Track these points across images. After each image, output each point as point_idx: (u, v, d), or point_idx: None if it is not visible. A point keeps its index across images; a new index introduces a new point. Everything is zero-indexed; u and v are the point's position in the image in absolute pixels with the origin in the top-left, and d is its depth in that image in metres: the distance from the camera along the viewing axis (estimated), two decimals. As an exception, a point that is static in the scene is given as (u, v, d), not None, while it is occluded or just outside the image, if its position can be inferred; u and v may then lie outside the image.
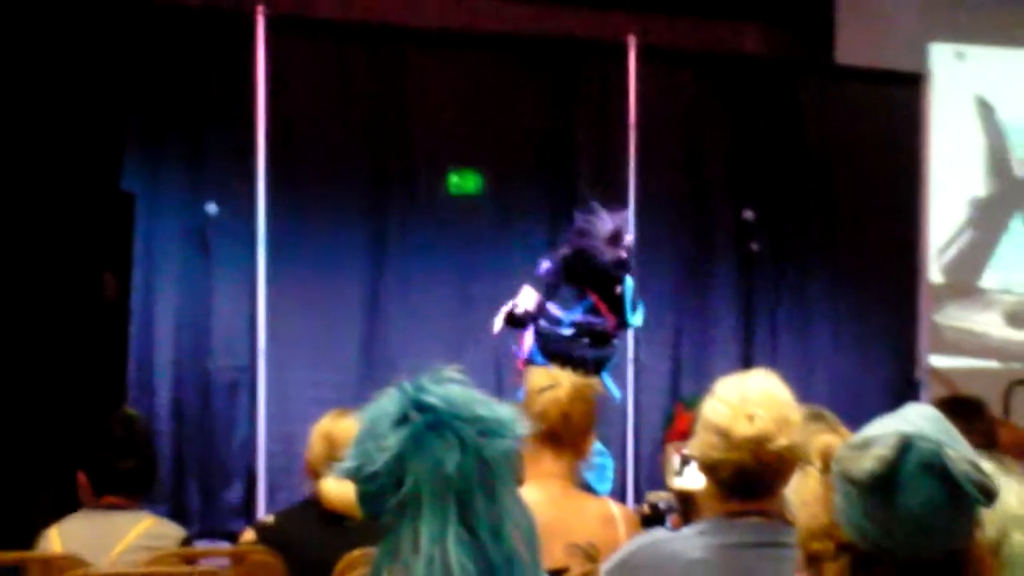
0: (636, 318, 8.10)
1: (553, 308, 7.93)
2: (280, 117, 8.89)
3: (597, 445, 7.57)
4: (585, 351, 7.90)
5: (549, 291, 7.98)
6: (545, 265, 8.06)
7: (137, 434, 4.73)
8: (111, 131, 8.13)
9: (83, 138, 7.79)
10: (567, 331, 7.90)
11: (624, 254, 7.92)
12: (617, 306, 8.00)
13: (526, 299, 7.97)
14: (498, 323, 8.04)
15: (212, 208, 8.51)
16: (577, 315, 7.92)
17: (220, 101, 8.82)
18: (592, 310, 7.95)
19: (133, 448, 4.67)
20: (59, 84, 7.73)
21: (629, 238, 8.02)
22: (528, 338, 8.00)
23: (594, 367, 7.88)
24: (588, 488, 7.22)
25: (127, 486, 4.63)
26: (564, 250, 8.03)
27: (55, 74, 7.74)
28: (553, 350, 7.85)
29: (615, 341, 8.08)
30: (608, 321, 7.97)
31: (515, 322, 8.01)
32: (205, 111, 8.79)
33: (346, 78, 9.24)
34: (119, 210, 7.83)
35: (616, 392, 8.22)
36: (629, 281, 8.04)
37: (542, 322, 7.95)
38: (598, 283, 7.95)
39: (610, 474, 7.83)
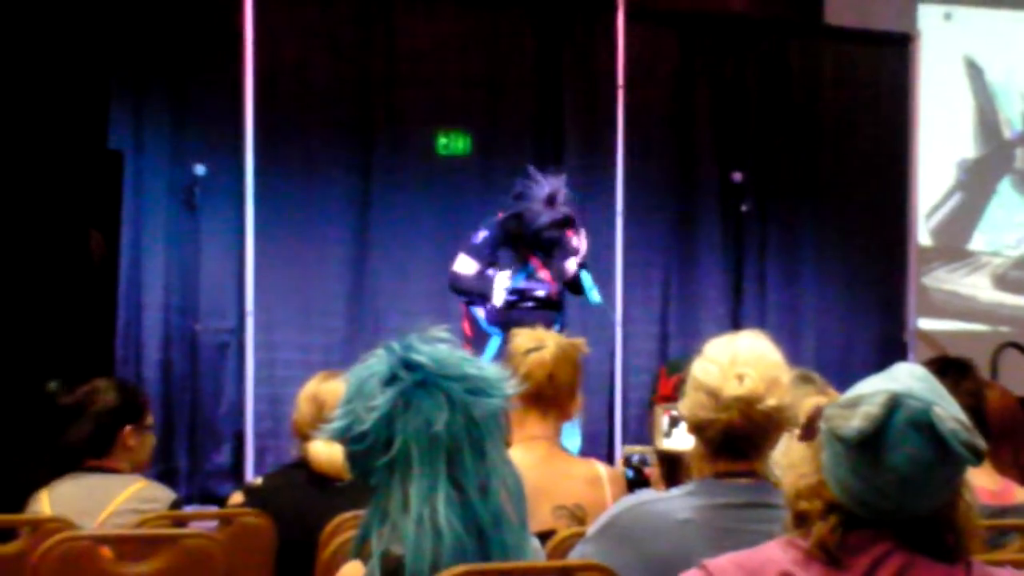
0: (595, 295, 8.07)
1: (492, 274, 7.89)
2: (267, 75, 8.87)
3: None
4: (532, 315, 7.87)
5: (489, 259, 7.94)
6: (482, 234, 8.01)
7: (95, 404, 4.70)
8: (97, 89, 8.10)
9: (69, 96, 7.75)
10: (510, 298, 7.87)
11: (560, 214, 7.89)
12: (557, 272, 7.98)
13: (463, 267, 7.94)
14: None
15: (200, 168, 8.49)
16: (520, 282, 7.90)
17: (206, 59, 8.80)
18: (533, 276, 7.94)
19: (87, 417, 4.66)
20: (44, 42, 7.69)
21: (565, 198, 7.96)
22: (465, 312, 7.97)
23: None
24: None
25: (84, 452, 4.62)
26: (501, 215, 8.00)
27: (39, 32, 7.70)
28: (495, 318, 7.85)
29: (556, 309, 8.04)
30: (550, 286, 7.95)
31: (460, 292, 7.99)
32: (191, 69, 8.77)
33: (333, 36, 9.21)
34: (106, 168, 7.79)
35: None
36: (585, 274, 8.01)
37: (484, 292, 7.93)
38: (537, 246, 7.92)
39: (577, 429, 7.83)
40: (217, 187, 8.67)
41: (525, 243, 7.91)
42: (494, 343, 7.72)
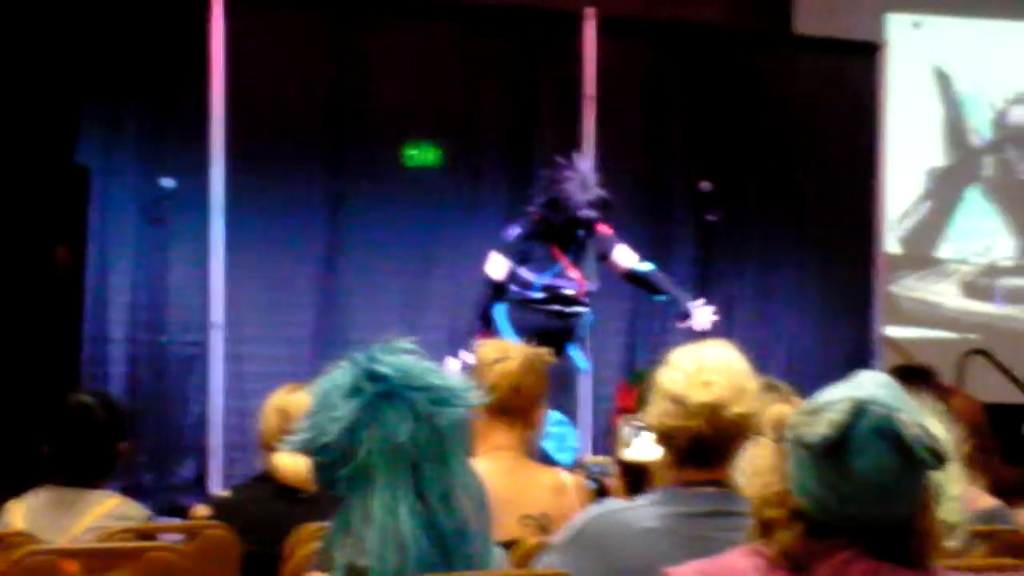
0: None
1: (524, 272, 7.92)
2: (237, 89, 8.83)
3: (556, 415, 7.61)
4: (554, 322, 7.89)
5: (520, 257, 7.95)
6: (515, 230, 8.04)
7: (90, 424, 4.69)
8: (65, 103, 8.08)
9: (36, 110, 7.73)
10: (538, 295, 7.89)
11: (596, 195, 7.92)
12: (588, 267, 8.02)
13: (495, 267, 7.95)
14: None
15: (168, 182, 8.45)
16: (547, 278, 7.91)
17: (175, 72, 8.76)
18: (562, 275, 7.95)
19: (84, 439, 4.65)
20: (12, 56, 7.67)
21: (597, 181, 8.00)
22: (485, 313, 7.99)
23: (563, 339, 7.89)
24: (547, 458, 7.25)
25: (78, 472, 4.61)
26: (535, 205, 8.02)
27: (8, 46, 7.67)
28: (522, 322, 7.85)
29: (584, 310, 8.07)
30: (579, 285, 7.97)
31: (495, 295, 7.99)
32: (160, 82, 8.72)
33: (304, 49, 9.18)
34: (73, 183, 7.77)
35: (583, 364, 8.22)
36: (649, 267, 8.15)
37: (512, 287, 7.94)
38: (571, 234, 7.93)
39: (571, 443, 7.83)
40: (185, 200, 8.63)
41: (558, 234, 7.91)
42: None
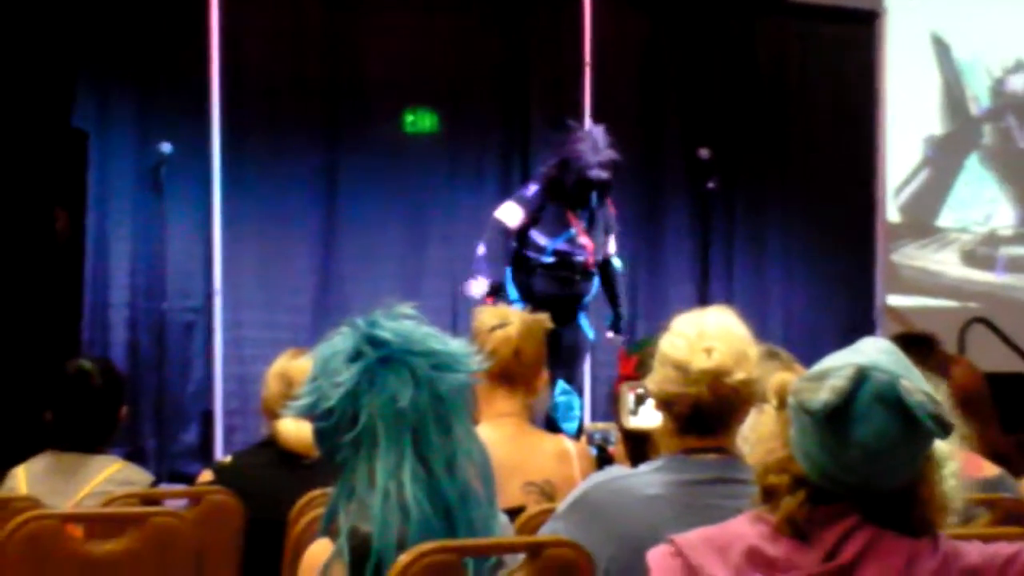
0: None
1: (536, 235, 7.91)
2: (233, 55, 8.84)
3: (561, 383, 7.63)
4: (564, 290, 7.90)
5: (534, 218, 7.94)
6: (533, 187, 8.05)
7: (90, 390, 4.71)
8: (62, 68, 8.05)
9: (33, 75, 7.70)
10: (549, 259, 7.89)
11: (607, 157, 7.93)
12: (598, 237, 8.03)
13: (510, 214, 7.93)
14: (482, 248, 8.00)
15: (166, 147, 8.42)
16: (560, 243, 7.91)
17: (172, 37, 8.76)
18: (574, 241, 7.95)
19: (85, 404, 4.66)
20: (8, 21, 7.64)
21: (608, 143, 8.02)
22: (482, 284, 7.96)
23: (572, 308, 7.90)
24: (553, 426, 7.28)
25: (81, 437, 4.63)
26: (546, 166, 8.03)
27: (3, 10, 7.65)
28: (529, 287, 7.85)
29: (592, 279, 8.08)
30: (588, 253, 7.97)
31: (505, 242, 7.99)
32: (157, 47, 8.72)
33: (300, 18, 9.18)
34: (71, 148, 7.75)
35: (590, 332, 8.23)
36: (618, 264, 8.20)
37: (522, 250, 7.92)
38: (583, 197, 7.92)
39: (577, 412, 7.85)
40: (184, 167, 8.63)
41: (570, 196, 7.90)
42: None
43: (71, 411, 4.65)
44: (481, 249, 7.95)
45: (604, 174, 7.93)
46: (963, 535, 2.54)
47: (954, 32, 11.21)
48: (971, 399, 4.33)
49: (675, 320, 3.21)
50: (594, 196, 7.98)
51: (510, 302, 7.74)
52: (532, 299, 7.66)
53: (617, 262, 8.33)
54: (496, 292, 7.87)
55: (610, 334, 8.35)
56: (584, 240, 7.99)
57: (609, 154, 7.95)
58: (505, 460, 2.85)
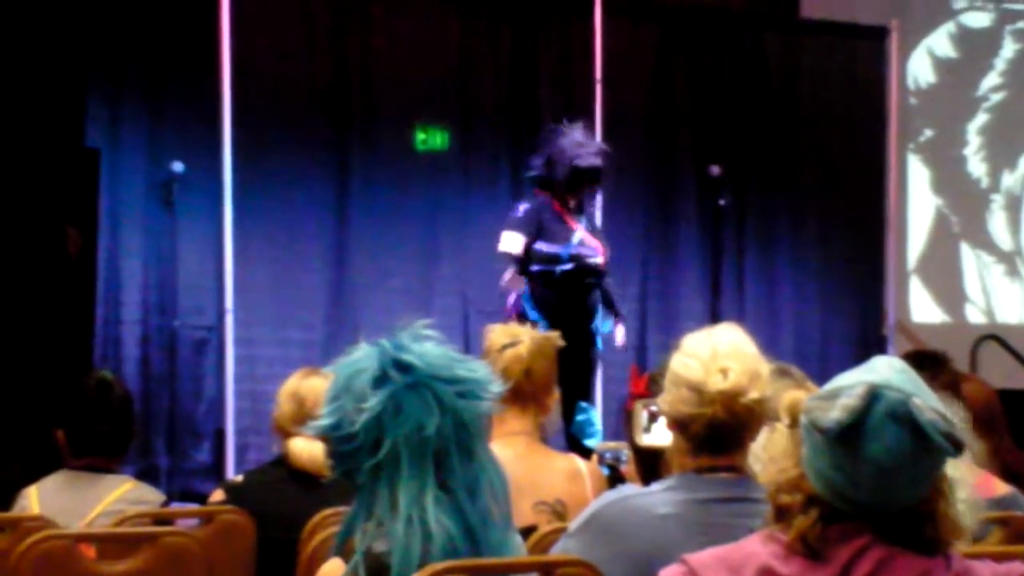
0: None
1: (544, 247, 7.89)
2: (244, 72, 8.84)
3: (579, 404, 7.63)
4: (579, 300, 7.89)
5: (535, 233, 7.92)
6: (522, 207, 8.03)
7: (112, 398, 4.72)
8: (73, 86, 8.07)
9: (45, 93, 7.72)
10: (566, 266, 7.86)
11: (596, 147, 7.97)
12: (602, 237, 8.04)
13: (511, 243, 7.92)
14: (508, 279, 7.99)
15: (178, 166, 8.44)
16: (572, 248, 7.89)
17: (183, 55, 8.78)
18: (583, 243, 7.94)
19: (108, 412, 4.67)
20: (19, 39, 7.66)
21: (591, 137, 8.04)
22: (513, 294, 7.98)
23: (586, 320, 7.89)
24: (575, 444, 7.27)
25: (102, 449, 4.64)
26: (535, 169, 8.02)
27: (15, 29, 7.67)
28: (546, 300, 7.83)
29: (606, 282, 8.08)
30: (600, 253, 7.96)
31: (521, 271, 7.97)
32: (168, 65, 8.75)
33: (310, 33, 9.20)
34: (83, 166, 7.76)
35: (600, 346, 8.22)
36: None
37: (534, 267, 7.90)
38: (577, 191, 7.93)
39: (597, 427, 7.86)
40: (195, 184, 8.64)
41: (565, 191, 7.93)
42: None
43: (94, 421, 4.65)
44: (505, 277, 7.94)
45: (596, 160, 7.94)
46: (975, 553, 2.54)
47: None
48: (983, 417, 4.34)
49: (685, 339, 3.20)
50: (588, 192, 7.97)
51: (533, 322, 7.74)
52: (551, 315, 7.65)
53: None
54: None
55: (619, 339, 8.28)
56: (591, 241, 7.99)
57: (597, 144, 7.98)
58: (516, 479, 2.84)
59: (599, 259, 7.97)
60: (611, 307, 8.22)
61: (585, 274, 7.93)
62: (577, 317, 7.78)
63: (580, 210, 8.06)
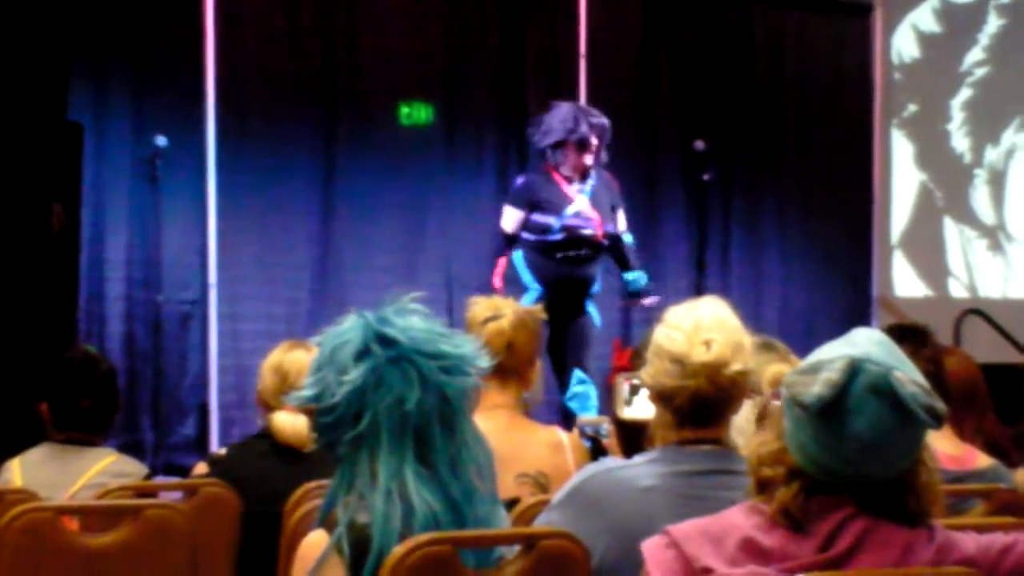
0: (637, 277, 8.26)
1: (539, 217, 7.93)
2: (229, 46, 8.83)
3: (578, 373, 7.65)
4: (575, 271, 7.92)
5: (532, 205, 7.99)
6: (520, 180, 8.18)
7: (96, 373, 4.72)
8: (57, 60, 8.03)
9: (28, 67, 7.68)
10: (558, 236, 7.89)
11: (592, 115, 8.04)
12: (603, 208, 8.05)
13: (507, 220, 8.02)
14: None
15: (162, 140, 8.40)
16: (566, 219, 7.92)
17: (167, 29, 8.75)
18: (579, 215, 7.96)
19: (91, 387, 4.67)
20: (1, 12, 7.62)
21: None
22: (501, 264, 8.03)
23: (582, 292, 7.91)
24: (571, 417, 7.28)
25: (85, 424, 4.64)
26: (535, 142, 8.15)
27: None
28: (543, 270, 7.88)
29: (599, 260, 8.10)
30: (596, 225, 7.98)
31: (509, 246, 8.07)
32: (152, 39, 8.71)
33: (295, 7, 9.17)
34: (66, 140, 7.73)
35: (597, 319, 8.23)
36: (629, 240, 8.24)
37: (529, 236, 7.94)
38: (578, 162, 8.00)
39: (594, 402, 7.88)
40: (179, 158, 8.61)
41: (566, 161, 8.00)
42: (529, 297, 7.72)
43: (79, 396, 4.65)
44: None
45: (597, 120, 8.05)
46: (958, 525, 2.55)
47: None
48: (966, 391, 4.35)
49: (669, 312, 3.20)
50: (590, 160, 8.00)
51: (525, 287, 7.79)
52: (546, 282, 7.73)
53: (628, 237, 8.31)
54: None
55: (647, 300, 8.31)
56: (589, 212, 8.00)
57: (593, 113, 8.03)
58: (498, 451, 2.84)
59: (593, 231, 7.98)
60: (626, 265, 8.25)
61: (578, 245, 7.95)
62: (572, 288, 7.81)
63: (584, 179, 8.07)
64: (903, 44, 10.97)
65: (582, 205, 7.98)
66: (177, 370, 8.75)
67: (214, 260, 8.75)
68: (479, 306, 4.37)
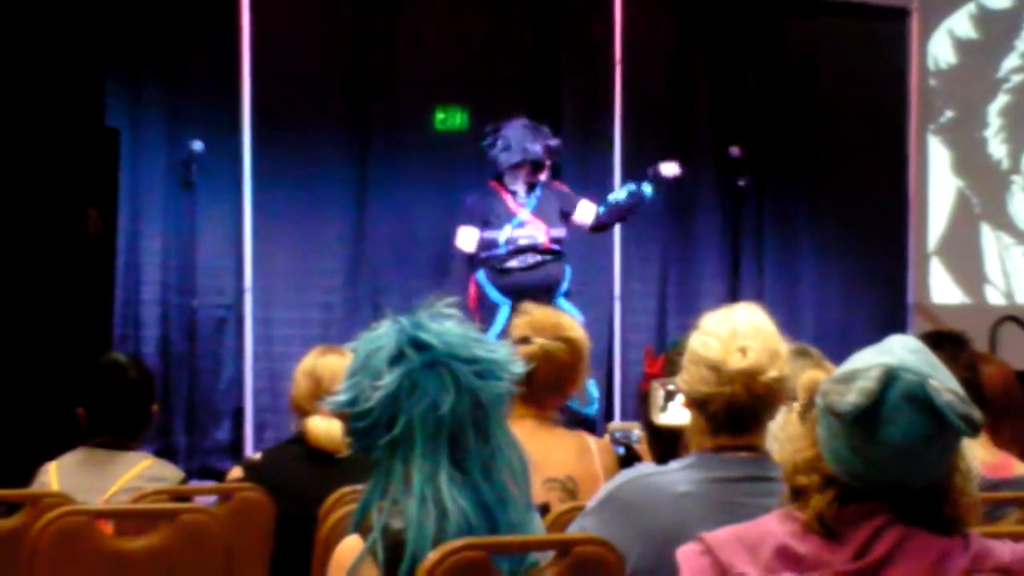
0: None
1: (488, 233, 8.16)
2: (264, 51, 8.86)
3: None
4: (531, 276, 7.97)
5: (482, 222, 8.18)
6: (467, 199, 8.32)
7: (132, 378, 4.74)
8: (93, 66, 8.06)
9: (65, 74, 7.71)
10: (502, 251, 8.02)
11: (542, 136, 8.20)
12: (551, 217, 8.13)
13: (464, 240, 8.19)
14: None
15: (198, 145, 8.44)
16: (509, 232, 8.03)
17: (203, 35, 8.79)
18: (521, 226, 8.06)
19: (121, 395, 4.68)
20: (39, 20, 7.66)
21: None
22: (472, 286, 8.12)
23: (548, 291, 7.93)
24: (574, 414, 7.28)
25: (121, 428, 4.66)
26: (489, 159, 8.28)
27: (34, 10, 7.66)
28: (502, 282, 7.96)
29: (560, 259, 8.13)
30: (541, 231, 8.05)
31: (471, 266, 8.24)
32: (187, 45, 8.76)
33: (330, 11, 9.19)
34: (103, 146, 7.76)
35: (578, 316, 8.22)
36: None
37: (482, 253, 8.06)
38: (525, 177, 8.15)
39: (594, 394, 7.89)
40: (214, 164, 8.65)
41: (513, 179, 8.15)
42: (503, 313, 7.76)
43: (106, 404, 4.67)
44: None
45: (551, 142, 8.26)
46: (994, 533, 2.54)
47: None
48: (1003, 398, 4.33)
49: (704, 319, 3.20)
50: (537, 180, 8.20)
51: (493, 303, 7.92)
52: (510, 295, 7.80)
53: (613, 196, 8.45)
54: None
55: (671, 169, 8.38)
56: (536, 223, 8.08)
57: (543, 134, 8.17)
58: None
59: (539, 238, 8.05)
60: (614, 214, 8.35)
61: (525, 253, 8.03)
62: (537, 294, 7.82)
63: (530, 192, 8.19)
64: (939, 50, 10.92)
65: (525, 216, 8.08)
66: (212, 375, 8.79)
67: (249, 265, 8.78)
68: (520, 322, 4.33)
